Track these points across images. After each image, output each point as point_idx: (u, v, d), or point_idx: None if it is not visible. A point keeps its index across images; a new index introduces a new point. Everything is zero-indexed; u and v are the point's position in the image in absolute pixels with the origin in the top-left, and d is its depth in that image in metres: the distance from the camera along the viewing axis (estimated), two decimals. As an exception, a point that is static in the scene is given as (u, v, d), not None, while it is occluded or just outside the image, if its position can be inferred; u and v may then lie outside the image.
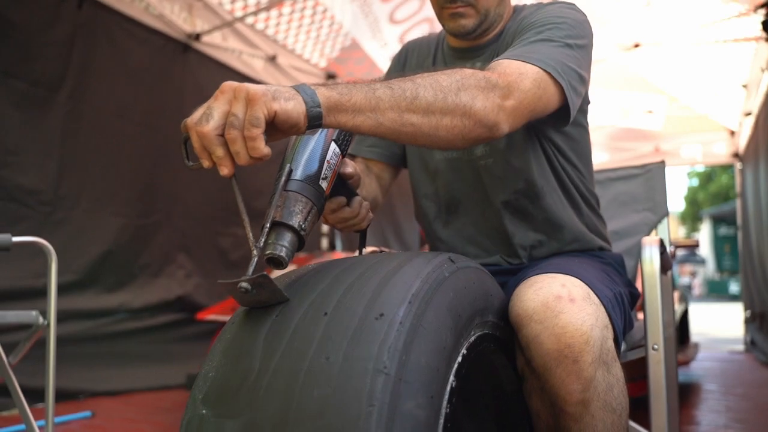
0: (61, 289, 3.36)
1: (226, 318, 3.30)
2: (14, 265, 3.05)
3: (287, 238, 0.90)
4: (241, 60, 4.73)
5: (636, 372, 1.79)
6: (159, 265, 4.01)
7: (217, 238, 4.45)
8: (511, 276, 1.30)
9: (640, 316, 2.45)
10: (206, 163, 0.81)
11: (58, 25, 3.36)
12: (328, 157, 0.98)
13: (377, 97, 0.89)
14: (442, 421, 0.79)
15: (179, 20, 4.13)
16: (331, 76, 5.74)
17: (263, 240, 0.88)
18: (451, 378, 0.83)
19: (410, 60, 1.49)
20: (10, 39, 3.14)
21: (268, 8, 4.54)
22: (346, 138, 1.03)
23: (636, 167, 1.92)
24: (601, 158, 7.67)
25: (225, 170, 0.80)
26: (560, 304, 0.95)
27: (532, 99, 1.08)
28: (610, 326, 1.00)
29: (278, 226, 0.91)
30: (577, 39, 1.22)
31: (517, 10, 1.39)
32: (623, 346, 1.33)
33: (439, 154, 1.39)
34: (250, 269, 0.85)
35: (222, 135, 0.79)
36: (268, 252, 0.89)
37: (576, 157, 1.39)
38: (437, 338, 0.81)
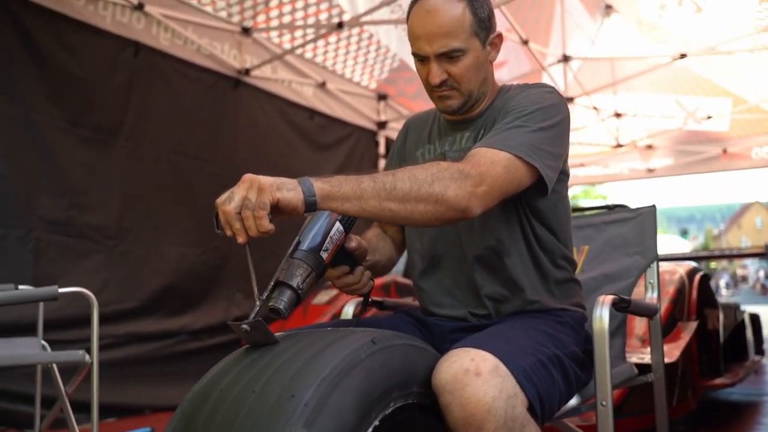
0: (128, 315, 3.73)
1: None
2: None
3: (287, 295, 1.14)
4: (291, 89, 4.97)
5: (646, 405, 1.85)
6: (218, 288, 4.30)
7: (274, 261, 4.69)
8: (476, 331, 1.41)
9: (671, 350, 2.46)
10: (228, 233, 1.07)
11: (116, 74, 3.70)
12: (331, 234, 1.21)
13: (362, 189, 1.12)
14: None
15: (229, 58, 4.40)
16: (382, 97, 5.91)
17: (267, 294, 1.13)
18: (358, 450, 0.97)
19: (410, 135, 1.67)
20: (74, 91, 3.48)
21: (315, 39, 4.75)
22: (350, 219, 1.25)
23: (628, 210, 1.97)
24: (665, 162, 7.49)
25: (240, 239, 1.06)
26: (467, 377, 1.06)
27: (504, 182, 1.25)
28: (519, 395, 1.10)
29: (281, 284, 1.15)
30: (549, 120, 1.36)
31: (504, 89, 1.53)
32: (576, 400, 1.42)
33: None
34: (252, 315, 1.09)
35: (240, 213, 1.04)
36: (270, 304, 1.12)
37: (551, 222, 1.50)
38: (339, 417, 0.95)
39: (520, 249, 1.45)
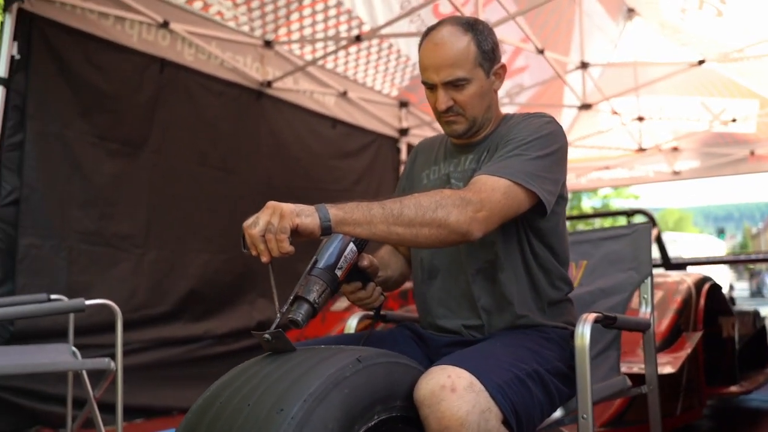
0: (156, 320, 3.89)
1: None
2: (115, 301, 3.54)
3: (304, 308, 1.28)
4: (313, 99, 5.09)
5: (642, 415, 1.92)
6: (241, 293, 4.43)
7: (296, 265, 4.79)
8: (466, 346, 1.50)
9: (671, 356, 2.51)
10: (253, 252, 1.19)
11: (143, 90, 3.86)
12: (345, 253, 1.36)
13: (372, 215, 1.25)
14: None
15: (252, 71, 4.54)
16: (404, 104, 6.00)
17: (286, 307, 1.27)
18: (339, 458, 1.07)
19: (419, 159, 1.78)
20: (103, 107, 3.65)
21: (336, 50, 4.86)
22: (363, 240, 1.38)
23: (624, 227, 2.03)
24: (691, 165, 7.43)
25: (264, 258, 1.18)
26: (443, 393, 1.15)
27: (503, 208, 1.38)
28: (493, 409, 1.18)
29: (299, 298, 1.29)
30: (547, 149, 1.48)
31: (506, 117, 1.65)
32: (561, 412, 1.49)
33: None
34: (273, 326, 1.24)
35: (263, 236, 1.16)
36: (289, 316, 1.27)
37: (552, 243, 1.59)
38: (323, 429, 1.04)
39: (516, 265, 1.54)
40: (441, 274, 1.61)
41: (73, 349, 2.70)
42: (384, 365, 1.21)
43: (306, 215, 1.19)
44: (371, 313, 1.91)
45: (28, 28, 3.31)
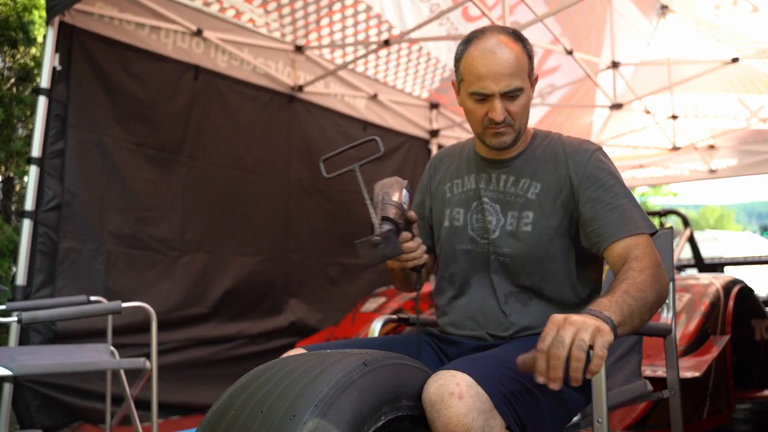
0: (191, 321, 4.01)
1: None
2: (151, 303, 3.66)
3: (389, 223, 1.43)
4: (344, 102, 5.16)
5: (666, 419, 1.93)
6: (274, 294, 4.53)
7: (326, 268, 4.91)
8: (486, 350, 1.54)
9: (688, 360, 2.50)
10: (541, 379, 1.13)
11: (178, 97, 3.97)
12: (403, 197, 1.50)
13: (632, 314, 1.24)
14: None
15: (283, 75, 4.63)
16: (434, 105, 6.03)
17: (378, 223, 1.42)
18: (350, 458, 1.12)
19: (438, 171, 1.79)
20: (140, 114, 3.78)
21: (366, 54, 4.92)
22: (411, 190, 1.53)
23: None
24: (728, 163, 7.28)
25: (554, 386, 1.11)
26: (451, 399, 1.19)
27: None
28: (498, 417, 1.22)
29: (385, 219, 1.43)
30: (625, 184, 1.56)
31: (539, 135, 1.66)
32: (579, 417, 1.52)
33: (460, 244, 1.68)
34: (376, 232, 1.33)
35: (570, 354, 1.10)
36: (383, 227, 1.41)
37: (591, 274, 1.64)
38: (333, 432, 1.10)
39: (552, 291, 1.59)
40: (471, 292, 1.65)
41: (112, 348, 2.82)
42: (390, 367, 1.25)
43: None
44: (395, 317, 1.98)
45: (69, 40, 3.44)
